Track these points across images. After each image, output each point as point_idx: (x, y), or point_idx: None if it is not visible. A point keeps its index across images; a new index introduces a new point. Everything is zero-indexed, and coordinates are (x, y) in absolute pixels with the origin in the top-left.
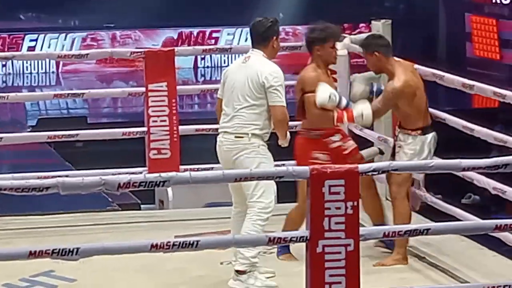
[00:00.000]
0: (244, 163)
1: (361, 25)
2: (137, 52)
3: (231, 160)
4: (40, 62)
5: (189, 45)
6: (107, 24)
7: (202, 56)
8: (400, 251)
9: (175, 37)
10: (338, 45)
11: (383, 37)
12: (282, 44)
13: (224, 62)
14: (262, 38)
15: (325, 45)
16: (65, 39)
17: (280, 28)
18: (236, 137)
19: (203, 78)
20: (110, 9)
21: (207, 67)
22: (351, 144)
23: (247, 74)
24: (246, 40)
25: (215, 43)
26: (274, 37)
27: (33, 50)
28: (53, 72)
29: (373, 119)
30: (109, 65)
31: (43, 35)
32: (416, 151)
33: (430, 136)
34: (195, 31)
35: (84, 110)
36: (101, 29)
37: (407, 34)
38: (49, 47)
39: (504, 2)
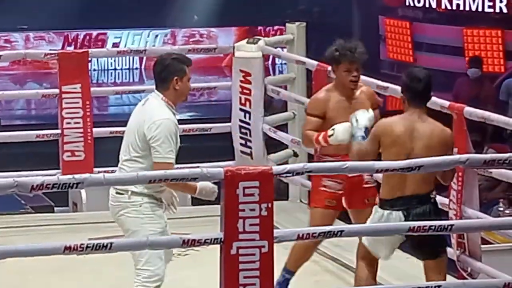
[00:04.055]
0: (126, 224)
1: (275, 27)
2: (51, 53)
3: (115, 218)
4: None
5: (77, 48)
6: (20, 26)
7: (89, 59)
8: None
9: (61, 40)
10: (253, 47)
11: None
12: (196, 46)
13: (111, 65)
14: (160, 79)
15: (339, 67)
16: None
17: (195, 30)
18: (117, 193)
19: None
20: (23, 11)
21: (94, 70)
22: (373, 180)
23: (137, 121)
24: (132, 43)
25: (102, 45)
26: (176, 78)
27: None
28: None
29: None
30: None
31: None
32: None
33: None
34: (81, 34)
35: None
36: (14, 30)
37: (321, 36)
38: None
39: (418, 5)
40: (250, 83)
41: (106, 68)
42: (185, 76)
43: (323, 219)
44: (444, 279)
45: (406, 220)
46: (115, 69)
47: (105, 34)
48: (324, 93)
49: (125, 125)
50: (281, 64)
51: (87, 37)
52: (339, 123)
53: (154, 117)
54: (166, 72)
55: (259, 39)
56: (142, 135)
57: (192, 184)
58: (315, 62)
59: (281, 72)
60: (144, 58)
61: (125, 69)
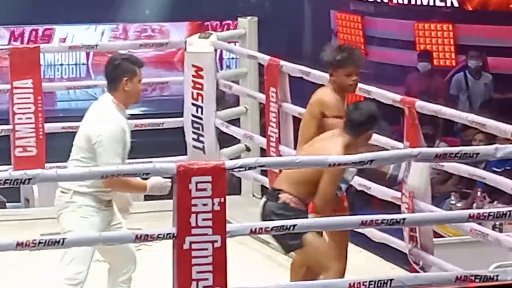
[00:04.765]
0: (63, 223)
1: (227, 21)
2: (2, 49)
3: (57, 216)
4: None
5: (23, 43)
6: None
7: None
8: None
9: (7, 35)
10: (205, 42)
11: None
12: (148, 41)
13: (58, 61)
14: (110, 79)
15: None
16: None
17: (147, 25)
18: (61, 191)
19: None
20: None
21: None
22: None
23: (86, 124)
24: (78, 37)
25: (48, 41)
26: (125, 79)
27: None
28: None
29: None
30: None
31: None
32: None
33: None
34: (28, 29)
35: None
36: None
37: (273, 31)
38: None
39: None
40: (202, 77)
41: (52, 63)
42: (135, 77)
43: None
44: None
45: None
46: (61, 64)
47: (51, 29)
48: (332, 94)
49: (74, 120)
50: (229, 59)
51: (34, 33)
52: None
53: (100, 123)
54: (115, 72)
55: (211, 34)
56: (88, 139)
57: (141, 183)
58: (267, 57)
59: (228, 67)
60: (91, 53)
61: (71, 64)
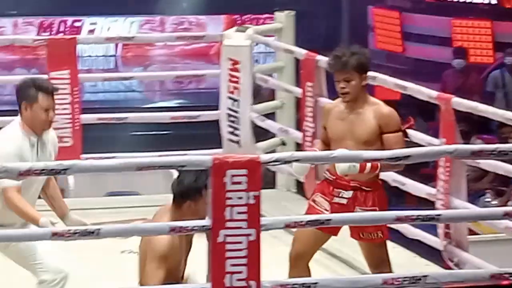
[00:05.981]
0: None
1: (264, 15)
2: (40, 39)
3: None
4: None
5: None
6: (9, 11)
7: None
8: None
9: (37, 26)
10: (242, 35)
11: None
12: (185, 34)
13: (85, 52)
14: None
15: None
16: None
17: (184, 18)
18: None
19: None
20: None
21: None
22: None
23: None
24: (108, 29)
25: (77, 32)
26: (24, 104)
27: None
28: None
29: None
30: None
31: None
32: None
33: None
34: (57, 20)
35: None
36: (2, 16)
37: (310, 25)
38: None
39: None
40: (238, 71)
41: (80, 54)
42: (35, 104)
43: (304, 236)
44: None
45: None
46: (89, 56)
47: (80, 20)
48: (334, 102)
49: (101, 112)
50: (258, 53)
51: (62, 24)
52: (332, 134)
53: None
54: (17, 96)
55: (248, 27)
56: None
57: (35, 217)
58: (304, 51)
59: (257, 62)
60: (120, 45)
61: (100, 56)
